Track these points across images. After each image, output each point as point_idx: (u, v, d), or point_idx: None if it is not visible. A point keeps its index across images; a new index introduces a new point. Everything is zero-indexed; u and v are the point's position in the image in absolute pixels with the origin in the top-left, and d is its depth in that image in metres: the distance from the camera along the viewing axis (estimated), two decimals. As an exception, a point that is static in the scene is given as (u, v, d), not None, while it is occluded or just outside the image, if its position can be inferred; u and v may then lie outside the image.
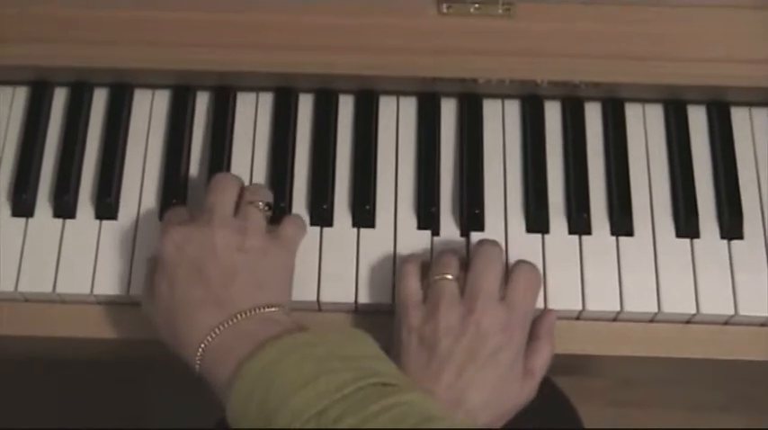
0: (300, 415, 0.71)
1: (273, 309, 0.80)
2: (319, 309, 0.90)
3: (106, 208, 0.92)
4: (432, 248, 0.91)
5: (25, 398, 1.59)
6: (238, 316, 0.79)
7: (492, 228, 0.91)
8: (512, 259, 0.88)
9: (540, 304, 0.87)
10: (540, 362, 0.84)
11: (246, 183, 0.90)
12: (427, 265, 0.87)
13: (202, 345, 0.78)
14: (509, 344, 0.82)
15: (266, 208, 0.86)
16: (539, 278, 0.86)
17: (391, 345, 0.83)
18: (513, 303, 0.83)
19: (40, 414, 1.57)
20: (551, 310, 0.88)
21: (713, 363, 0.91)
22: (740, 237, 0.91)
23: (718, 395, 1.63)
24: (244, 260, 0.82)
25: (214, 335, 0.78)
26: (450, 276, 0.83)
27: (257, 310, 0.79)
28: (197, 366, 0.79)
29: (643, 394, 1.63)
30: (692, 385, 1.62)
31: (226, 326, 0.78)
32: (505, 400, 0.82)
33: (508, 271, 0.85)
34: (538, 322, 0.86)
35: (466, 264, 0.85)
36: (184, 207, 0.90)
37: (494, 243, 0.86)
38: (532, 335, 0.85)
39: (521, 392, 0.83)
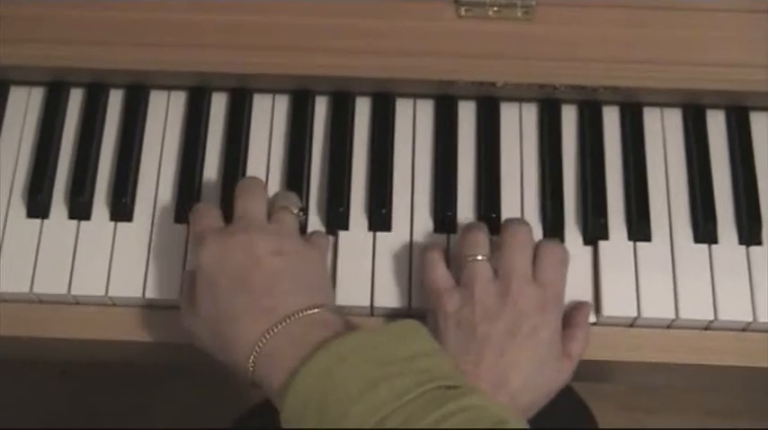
0: (362, 424, 0.69)
1: (319, 310, 0.79)
2: (335, 313, 0.90)
3: (121, 209, 0.92)
4: (448, 252, 0.90)
5: (33, 398, 1.59)
6: (286, 320, 0.77)
7: (509, 232, 0.91)
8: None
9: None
10: (578, 348, 0.85)
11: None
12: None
13: (254, 353, 0.77)
14: (546, 323, 0.82)
15: (300, 212, 0.87)
16: (566, 254, 0.86)
17: None
18: (544, 282, 0.83)
19: (46, 413, 1.57)
20: (586, 301, 0.88)
21: (731, 370, 0.90)
22: (759, 242, 0.91)
23: (732, 401, 1.62)
24: (285, 264, 0.81)
25: (264, 341, 0.77)
26: (481, 257, 0.83)
27: (304, 313, 0.78)
28: (250, 374, 0.77)
29: (657, 399, 1.63)
30: (707, 391, 1.61)
31: (275, 330, 0.77)
32: (545, 380, 0.82)
33: (534, 250, 0.85)
34: (575, 311, 0.87)
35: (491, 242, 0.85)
36: (212, 206, 0.88)
37: (523, 222, 0.86)
38: (570, 323, 0.86)
39: (559, 373, 0.83)
